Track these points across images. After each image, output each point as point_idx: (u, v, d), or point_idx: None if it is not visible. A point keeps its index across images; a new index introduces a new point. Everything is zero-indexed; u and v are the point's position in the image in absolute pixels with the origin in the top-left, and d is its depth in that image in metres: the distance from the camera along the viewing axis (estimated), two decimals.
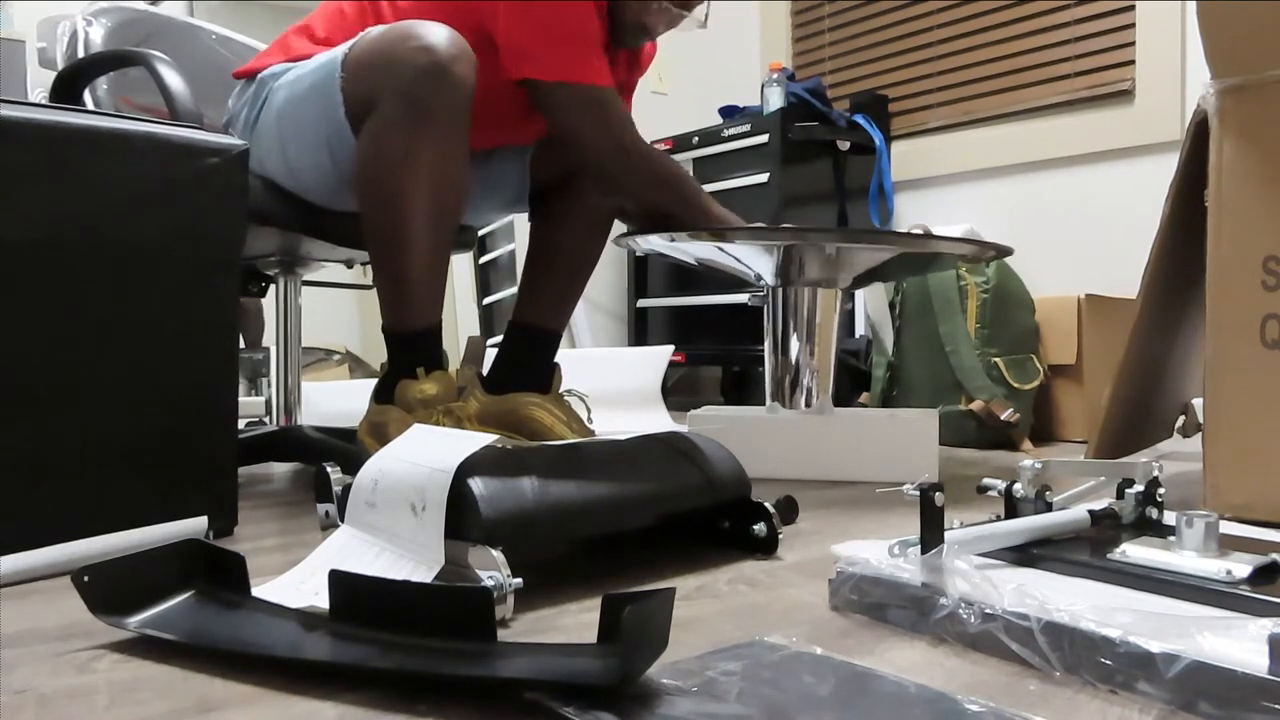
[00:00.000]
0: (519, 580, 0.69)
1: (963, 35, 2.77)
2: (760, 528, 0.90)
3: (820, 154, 2.80)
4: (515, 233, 2.87)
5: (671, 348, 2.51)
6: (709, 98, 3.29)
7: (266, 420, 1.63)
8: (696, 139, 2.96)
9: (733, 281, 1.64)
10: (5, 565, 0.80)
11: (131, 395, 0.89)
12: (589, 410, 1.42)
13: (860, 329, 2.53)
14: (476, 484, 0.73)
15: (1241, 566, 0.67)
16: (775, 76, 2.82)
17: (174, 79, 1.08)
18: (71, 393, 0.85)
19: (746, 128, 2.81)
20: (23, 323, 0.82)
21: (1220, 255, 1.07)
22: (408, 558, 0.73)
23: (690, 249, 1.44)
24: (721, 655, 0.59)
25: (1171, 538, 0.74)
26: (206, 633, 0.65)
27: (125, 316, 0.88)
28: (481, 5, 1.24)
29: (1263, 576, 0.67)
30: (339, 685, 0.57)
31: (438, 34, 1.13)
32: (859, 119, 2.84)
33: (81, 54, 1.39)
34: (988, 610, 0.61)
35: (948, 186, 2.80)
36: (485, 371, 1.41)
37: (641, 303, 3.15)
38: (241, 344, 2.39)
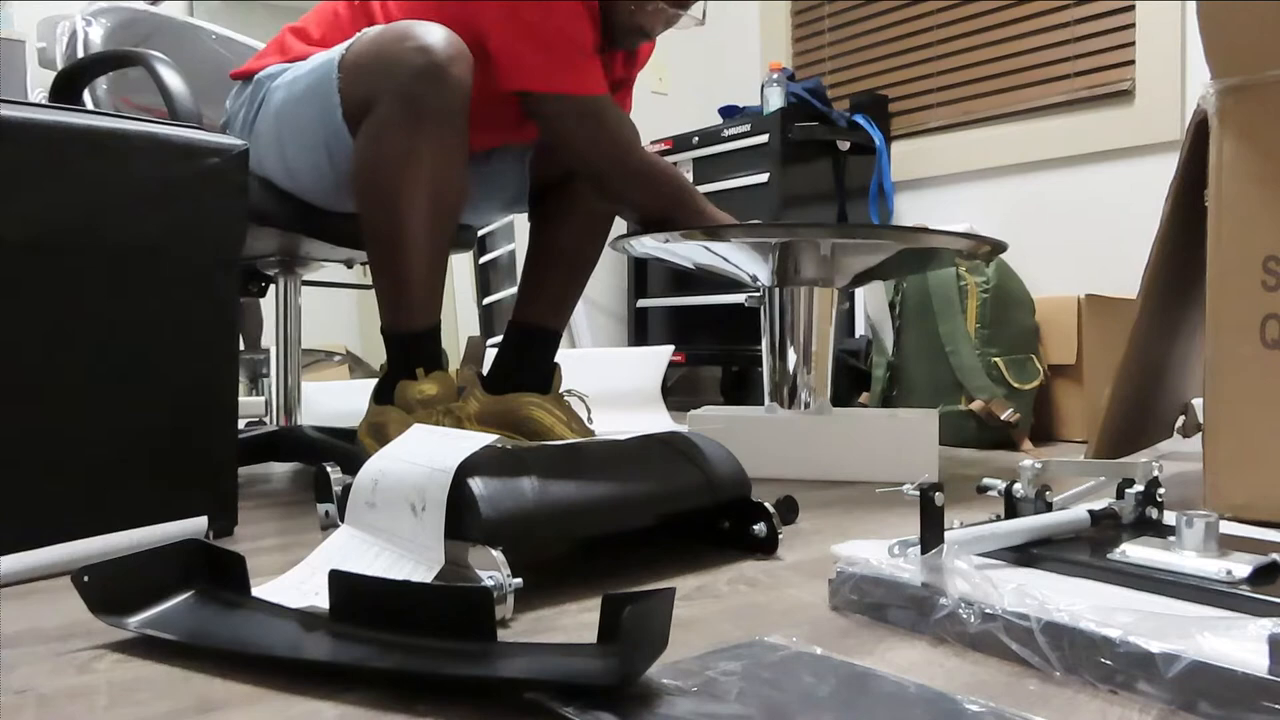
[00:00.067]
0: (519, 580, 0.69)
1: (963, 35, 2.77)
2: (760, 528, 0.90)
3: (820, 154, 2.80)
4: (515, 233, 2.87)
5: (671, 348, 2.51)
6: (709, 98, 3.29)
7: (266, 420, 1.63)
8: (696, 139, 2.96)
9: (732, 282, 1.64)
10: (5, 565, 0.80)
11: (131, 395, 0.89)
12: (589, 410, 1.42)
13: (860, 329, 2.54)
14: (476, 484, 0.73)
15: (1241, 566, 0.67)
16: (775, 76, 2.82)
17: (174, 79, 1.08)
18: (71, 393, 0.85)
19: (746, 128, 2.81)
20: (23, 323, 0.82)
21: (1220, 255, 1.07)
22: (408, 558, 0.73)
23: (685, 251, 1.44)
24: (721, 655, 0.59)
25: (1171, 538, 0.74)
26: (206, 633, 0.65)
27: (125, 316, 0.88)
28: (475, 7, 1.24)
29: (1263, 576, 0.67)
30: (339, 685, 0.57)
31: (435, 34, 1.13)
32: (859, 119, 2.84)
33: (81, 54, 1.39)
34: (988, 610, 0.61)
35: (948, 186, 2.80)
36: (485, 371, 1.41)
37: (641, 303, 3.15)
38: (241, 346, 2.39)
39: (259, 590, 0.71)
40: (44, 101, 0.96)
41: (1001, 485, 0.87)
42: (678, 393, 3.25)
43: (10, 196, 0.81)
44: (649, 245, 1.40)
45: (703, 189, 2.75)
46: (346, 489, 0.83)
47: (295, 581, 0.75)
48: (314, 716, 0.53)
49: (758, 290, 1.56)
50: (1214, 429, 1.07)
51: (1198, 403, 1.50)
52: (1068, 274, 2.46)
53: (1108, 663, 0.54)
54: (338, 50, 1.21)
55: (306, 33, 1.35)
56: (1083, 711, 0.52)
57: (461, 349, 1.35)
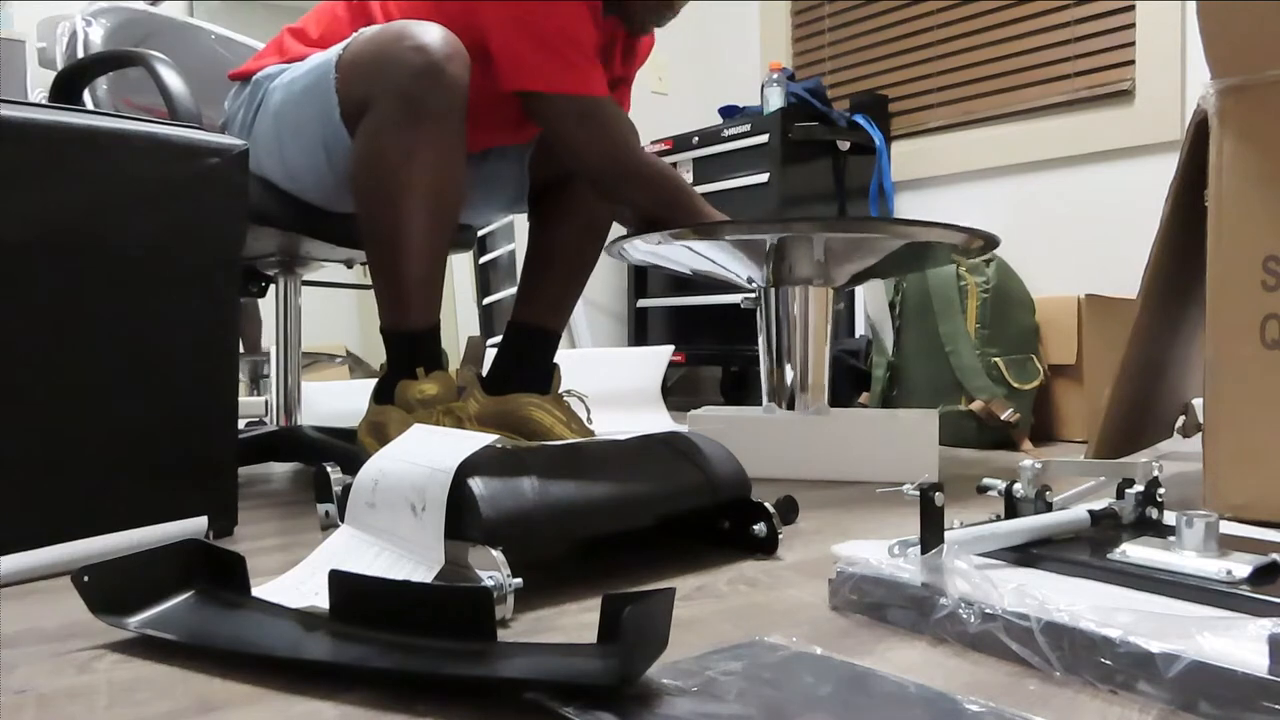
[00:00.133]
0: (519, 580, 0.69)
1: (963, 35, 2.77)
2: (760, 528, 0.90)
3: (820, 154, 2.80)
4: (515, 233, 2.87)
5: (671, 348, 2.51)
6: (709, 98, 3.29)
7: (266, 420, 1.63)
8: (696, 139, 2.96)
9: (731, 282, 1.64)
10: (5, 565, 0.80)
11: (131, 395, 0.89)
12: (589, 410, 1.42)
13: (860, 329, 2.54)
14: (477, 484, 0.73)
15: (1241, 566, 0.67)
16: (775, 76, 2.82)
17: (174, 79, 1.08)
18: (71, 393, 0.85)
19: (746, 128, 2.81)
20: (22, 322, 0.82)
21: (1220, 255, 1.07)
22: (408, 558, 0.73)
23: (680, 255, 1.44)
24: (721, 655, 0.59)
25: (1171, 538, 0.74)
26: (206, 633, 0.65)
27: (125, 316, 0.88)
28: (475, 7, 1.24)
29: (1263, 576, 0.67)
30: (339, 685, 0.57)
31: (432, 34, 1.13)
32: (859, 119, 2.84)
33: (81, 54, 1.39)
34: (988, 610, 0.61)
35: (948, 186, 2.80)
36: (485, 372, 1.41)
37: (641, 303, 3.15)
38: (241, 346, 2.39)
39: (259, 590, 0.71)
40: (44, 101, 0.96)
41: (1001, 485, 0.87)
42: (678, 393, 3.25)
43: (10, 196, 0.81)
44: (643, 250, 1.40)
45: (703, 189, 2.76)
46: (346, 489, 0.83)
47: (295, 581, 0.75)
48: (314, 716, 0.53)
49: (753, 292, 1.56)
50: (1214, 429, 1.07)
51: (1198, 403, 1.50)
52: (1068, 274, 2.46)
53: (1108, 663, 0.54)
54: (335, 50, 1.21)
55: (305, 33, 1.35)
56: (1083, 711, 0.52)
57: (461, 349, 1.35)
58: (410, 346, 1.21)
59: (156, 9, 1.62)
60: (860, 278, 1.60)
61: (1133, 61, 2.40)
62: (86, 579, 0.66)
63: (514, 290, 2.28)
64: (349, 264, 1.65)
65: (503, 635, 0.66)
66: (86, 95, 1.34)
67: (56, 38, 1.41)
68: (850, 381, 2.27)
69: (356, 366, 2.74)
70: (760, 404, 1.56)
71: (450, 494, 0.72)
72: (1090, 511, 0.84)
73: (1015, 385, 1.96)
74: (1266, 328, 1.04)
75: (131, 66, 1.24)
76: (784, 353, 1.51)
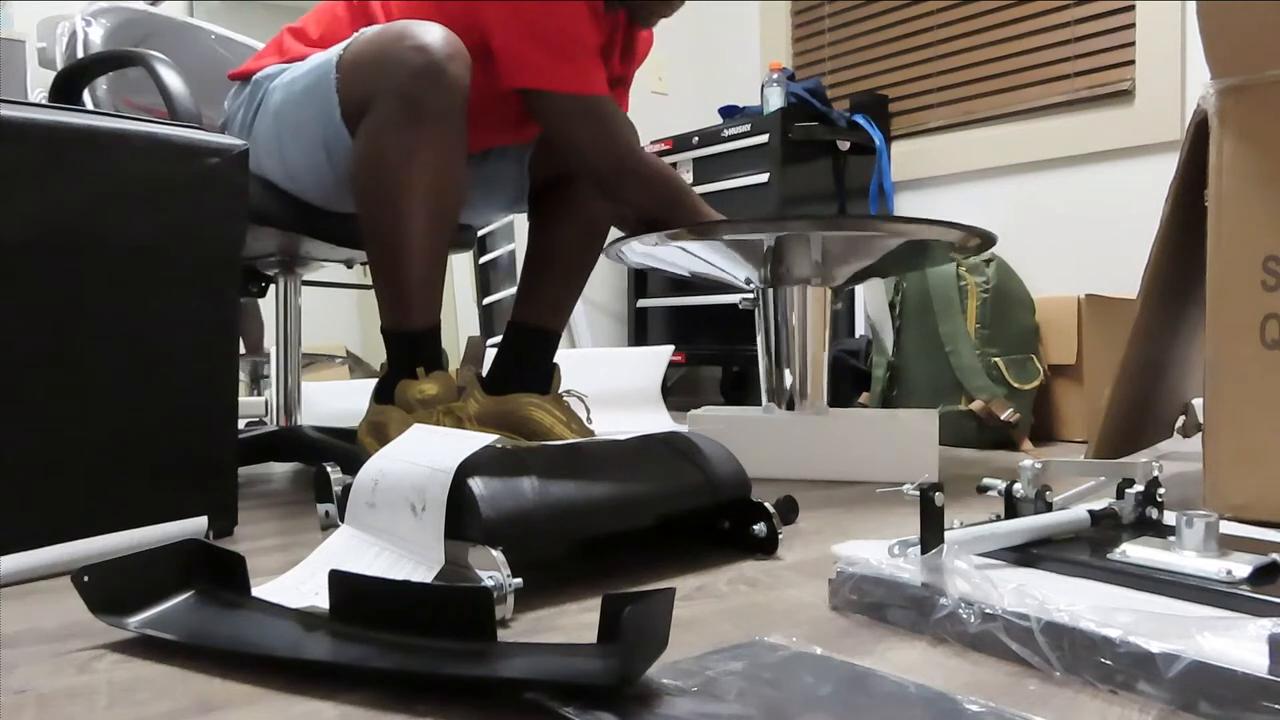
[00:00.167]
0: (519, 580, 0.69)
1: (963, 35, 2.77)
2: (760, 528, 0.90)
3: (820, 154, 2.80)
4: (515, 233, 2.87)
5: (671, 348, 2.51)
6: (709, 98, 3.30)
7: (266, 420, 1.63)
8: (696, 139, 2.96)
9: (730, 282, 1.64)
10: (5, 565, 0.80)
11: (131, 395, 0.89)
12: (589, 410, 1.42)
13: (860, 329, 2.54)
14: (477, 484, 0.73)
15: (1241, 566, 0.67)
16: (775, 76, 2.82)
17: (174, 79, 1.08)
18: (71, 393, 0.85)
19: (746, 128, 2.81)
20: (22, 322, 0.82)
21: (1220, 255, 1.07)
22: (408, 558, 0.73)
23: (677, 257, 1.44)
24: (721, 655, 0.59)
25: (1171, 538, 0.74)
26: (206, 633, 0.65)
27: (125, 316, 0.88)
28: (477, 7, 1.24)
29: (1263, 576, 0.67)
30: (339, 685, 0.57)
31: (432, 33, 1.13)
32: (859, 119, 2.85)
33: (81, 54, 1.39)
34: (988, 610, 0.61)
35: (948, 186, 2.80)
36: (485, 372, 1.41)
37: (641, 303, 3.15)
38: (241, 346, 2.39)
39: (259, 590, 0.71)
40: (44, 101, 0.96)
41: (1001, 485, 0.87)
42: (678, 393, 3.25)
43: (10, 196, 0.81)
44: (640, 253, 1.40)
45: (703, 189, 2.76)
46: (346, 489, 0.83)
47: (295, 581, 0.75)
48: (314, 716, 0.53)
49: (751, 292, 1.56)
50: (1214, 429, 1.07)
51: (1198, 403, 1.50)
52: (1068, 274, 2.46)
53: (1108, 663, 0.54)
54: (335, 50, 1.21)
55: (305, 33, 1.35)
56: (1083, 711, 0.52)
57: (461, 349, 1.35)
58: (410, 346, 1.21)
59: (156, 9, 1.62)
60: (859, 277, 1.60)
61: (1133, 61, 2.40)
62: (86, 579, 0.66)
63: (514, 290, 2.29)
64: (349, 264, 1.65)
65: (503, 635, 0.66)
66: (86, 95, 1.34)
67: (56, 38, 1.41)
68: (850, 381, 2.27)
69: (356, 366, 2.74)
70: (760, 404, 1.56)
71: (450, 494, 0.72)
72: (1090, 511, 0.84)
73: (1015, 385, 1.96)
74: (1266, 328, 1.04)
75: (131, 66, 1.24)
76: (782, 353, 1.51)
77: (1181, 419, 1.59)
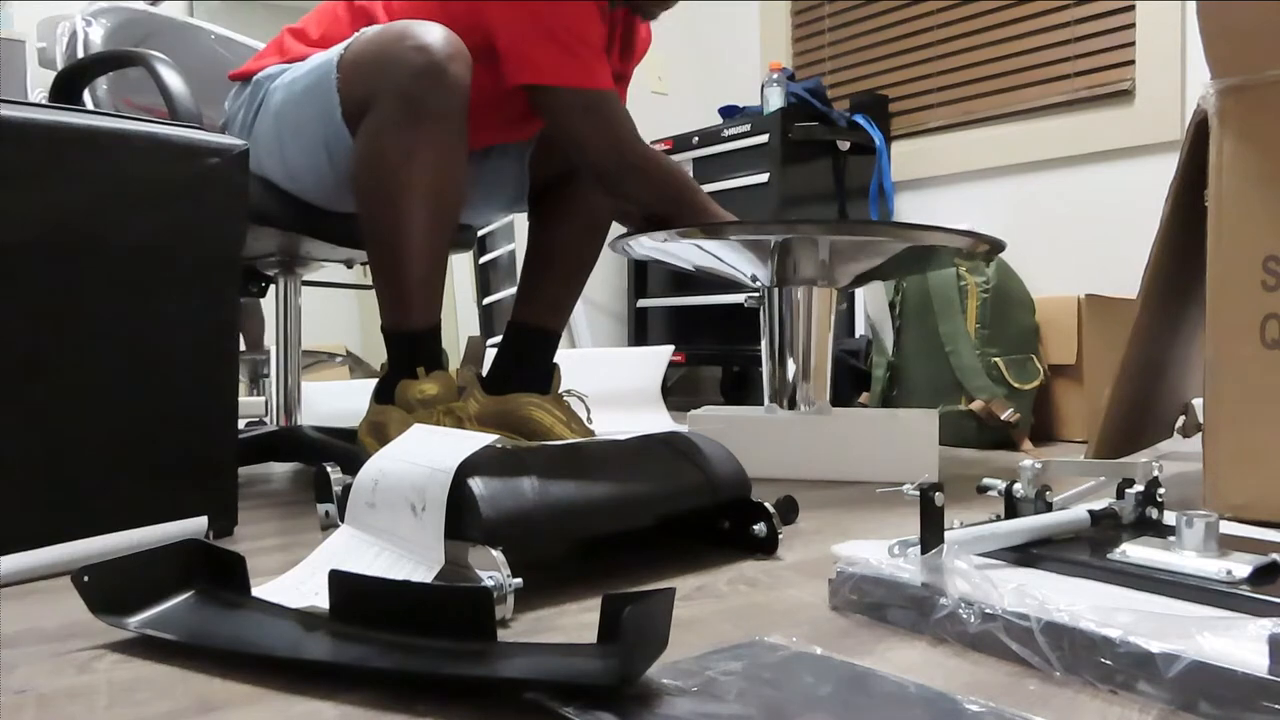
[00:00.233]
0: (519, 580, 0.69)
1: (963, 35, 2.77)
2: (760, 528, 0.90)
3: (820, 154, 2.80)
4: (515, 233, 2.87)
5: (671, 348, 2.51)
6: (709, 98, 3.29)
7: (266, 420, 1.63)
8: (696, 139, 2.96)
9: (732, 281, 1.64)
10: (5, 565, 0.80)
11: (131, 395, 0.89)
12: (589, 410, 1.42)
13: (860, 329, 2.54)
14: (477, 484, 0.73)
15: (1241, 566, 0.67)
16: (775, 76, 2.82)
17: (174, 79, 1.08)
18: (71, 393, 0.85)
19: (746, 128, 2.81)
20: (22, 323, 0.82)
21: (1220, 255, 1.07)
22: (408, 558, 0.73)
23: (684, 252, 1.44)
24: (721, 655, 0.59)
25: (1171, 538, 0.74)
26: (206, 633, 0.65)
27: (125, 316, 0.88)
28: (477, 6, 1.24)
29: (1263, 576, 0.67)
30: (339, 685, 0.57)
31: (433, 33, 1.13)
32: (859, 119, 2.85)
33: (81, 54, 1.39)
34: (988, 610, 0.61)
35: (948, 186, 2.80)
36: (485, 371, 1.41)
37: (641, 303, 3.15)
38: (242, 345, 2.39)
39: (259, 590, 0.71)
40: (44, 101, 0.96)
41: (1001, 485, 0.87)
42: (678, 393, 3.25)
43: (10, 196, 0.81)
44: (648, 246, 1.40)
45: (702, 189, 2.75)
46: (346, 489, 0.83)
47: (295, 581, 0.75)
48: (314, 716, 0.53)
49: (757, 291, 1.56)
50: (1214, 429, 1.07)
51: (1198, 403, 1.50)
52: (1068, 274, 2.46)
53: (1108, 663, 0.54)
54: (336, 50, 1.21)
55: (305, 33, 1.35)
56: (1083, 711, 0.52)
57: (461, 349, 1.35)
58: (411, 346, 1.21)
59: (156, 9, 1.62)
60: (863, 279, 1.60)
61: (1133, 61, 2.40)
62: (86, 579, 0.66)
63: (514, 290, 2.29)
64: (349, 264, 1.65)
65: (503, 635, 0.66)
66: (86, 95, 1.34)
67: (56, 38, 1.41)
68: (850, 381, 2.27)
69: (356, 366, 2.74)
70: (760, 404, 1.56)
71: (450, 494, 0.72)
72: (1090, 511, 0.84)
73: (1015, 385, 1.96)
74: (1266, 328, 1.04)
75: (131, 66, 1.24)
76: (787, 352, 1.51)
77: (1181, 419, 1.59)
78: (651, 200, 1.37)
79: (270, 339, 1.60)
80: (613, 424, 1.64)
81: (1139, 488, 0.86)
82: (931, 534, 0.69)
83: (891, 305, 2.10)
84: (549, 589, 0.77)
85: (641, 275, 3.15)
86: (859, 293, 2.50)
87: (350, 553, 0.77)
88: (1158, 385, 1.42)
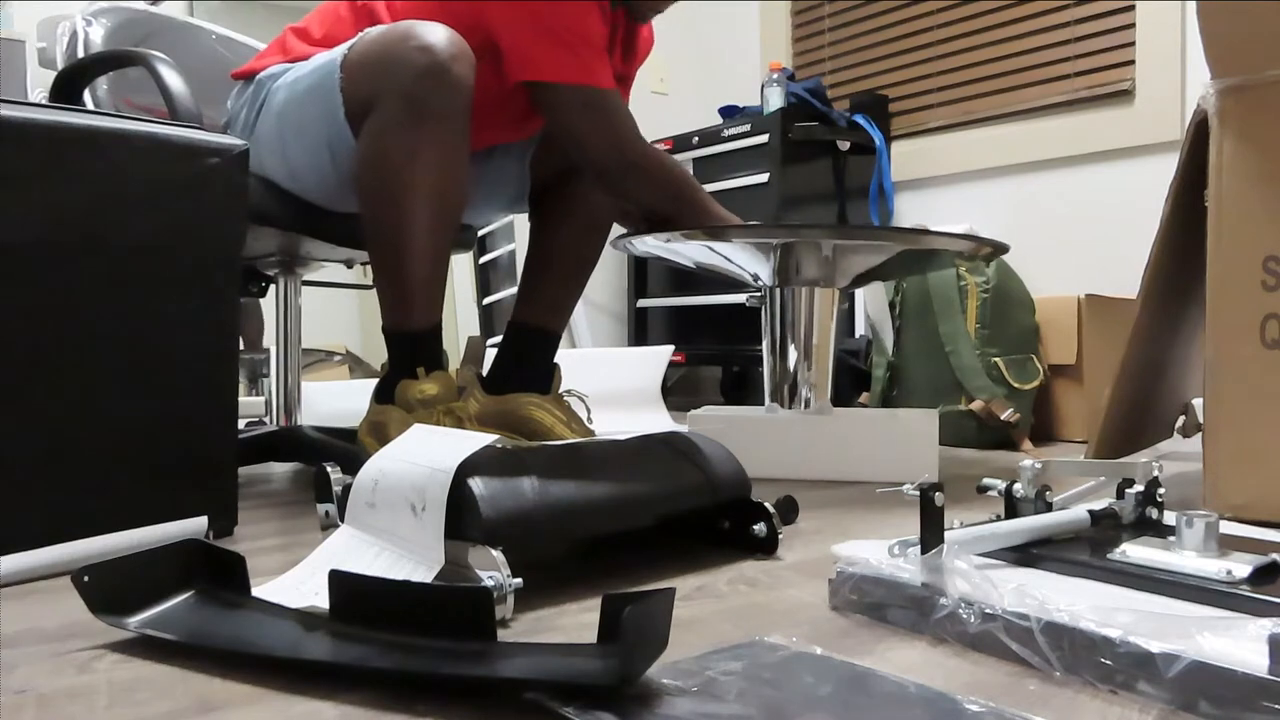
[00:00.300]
0: (519, 580, 0.69)
1: (963, 35, 2.77)
2: (760, 528, 0.90)
3: (820, 154, 2.80)
4: (515, 233, 2.87)
5: (671, 348, 2.51)
6: (709, 98, 3.29)
7: (266, 420, 1.63)
8: (696, 139, 2.96)
9: (732, 281, 1.64)
10: (5, 565, 0.80)
11: (131, 395, 0.89)
12: (589, 410, 1.42)
13: (860, 329, 2.54)
14: (477, 484, 0.73)
15: (1241, 566, 0.67)
16: (775, 76, 2.82)
17: (174, 79, 1.08)
18: (71, 393, 0.85)
19: (746, 128, 2.81)
20: (22, 323, 0.82)
21: (1220, 255, 1.07)
22: (408, 558, 0.73)
23: (687, 250, 1.44)
24: (721, 655, 0.59)
25: (1171, 538, 0.74)
26: (206, 633, 0.65)
27: (125, 317, 0.88)
28: (480, 6, 1.24)
29: (1263, 576, 0.67)
30: (339, 685, 0.57)
31: (437, 34, 1.13)
32: (859, 119, 2.84)
33: (81, 54, 1.39)
34: (988, 610, 0.61)
35: (948, 186, 2.80)
36: (485, 372, 1.41)
37: (641, 303, 3.15)
38: (241, 345, 2.39)
39: (259, 590, 0.71)
40: (44, 101, 0.96)
41: (1001, 485, 0.87)
42: (678, 393, 3.25)
43: (10, 196, 0.81)
44: (651, 244, 1.40)
45: (704, 188, 2.74)
46: (346, 489, 0.83)
47: (295, 581, 0.75)
48: (314, 716, 0.53)
49: (759, 290, 1.56)
50: (1214, 429, 1.07)
51: (1198, 403, 1.50)
52: (1068, 274, 2.46)
53: (1108, 663, 0.54)
54: (340, 50, 1.21)
55: (308, 33, 1.35)
56: (1083, 711, 0.52)
57: (461, 349, 1.35)
58: (411, 346, 1.21)
59: (156, 9, 1.62)
60: (864, 279, 1.60)
61: (1133, 61, 2.40)
62: (86, 579, 0.66)
63: (514, 290, 2.29)
64: (349, 264, 1.65)
65: (503, 635, 0.66)
66: (86, 95, 1.34)
67: (56, 38, 1.41)
68: (850, 381, 2.27)
69: (356, 366, 2.74)
70: (760, 404, 1.56)
71: (450, 494, 0.72)
72: (1090, 511, 0.84)
73: (1015, 385, 1.96)
74: (1266, 328, 1.04)
75: (131, 66, 1.24)
76: (789, 352, 1.51)
77: (1181, 419, 1.59)
78: (652, 199, 1.37)
79: (270, 339, 1.60)
80: (613, 424, 1.64)
81: (1139, 488, 0.86)
82: (931, 534, 0.69)
83: (891, 305, 2.10)
84: (549, 589, 0.77)
85: (641, 275, 3.15)
86: (859, 293, 2.50)
87: (350, 553, 0.78)
88: (1158, 385, 1.42)
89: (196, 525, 0.93)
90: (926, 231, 1.32)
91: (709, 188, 2.82)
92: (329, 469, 0.96)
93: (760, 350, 1.56)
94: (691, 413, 1.52)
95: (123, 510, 0.88)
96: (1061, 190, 2.54)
